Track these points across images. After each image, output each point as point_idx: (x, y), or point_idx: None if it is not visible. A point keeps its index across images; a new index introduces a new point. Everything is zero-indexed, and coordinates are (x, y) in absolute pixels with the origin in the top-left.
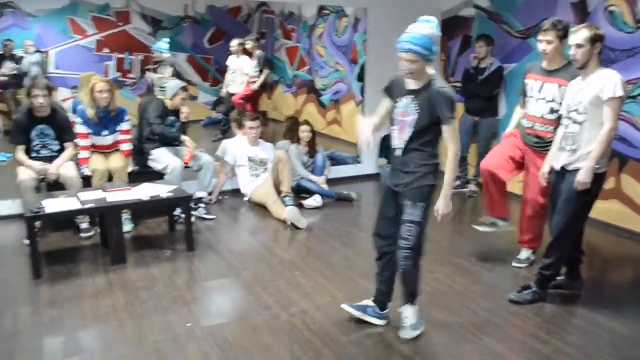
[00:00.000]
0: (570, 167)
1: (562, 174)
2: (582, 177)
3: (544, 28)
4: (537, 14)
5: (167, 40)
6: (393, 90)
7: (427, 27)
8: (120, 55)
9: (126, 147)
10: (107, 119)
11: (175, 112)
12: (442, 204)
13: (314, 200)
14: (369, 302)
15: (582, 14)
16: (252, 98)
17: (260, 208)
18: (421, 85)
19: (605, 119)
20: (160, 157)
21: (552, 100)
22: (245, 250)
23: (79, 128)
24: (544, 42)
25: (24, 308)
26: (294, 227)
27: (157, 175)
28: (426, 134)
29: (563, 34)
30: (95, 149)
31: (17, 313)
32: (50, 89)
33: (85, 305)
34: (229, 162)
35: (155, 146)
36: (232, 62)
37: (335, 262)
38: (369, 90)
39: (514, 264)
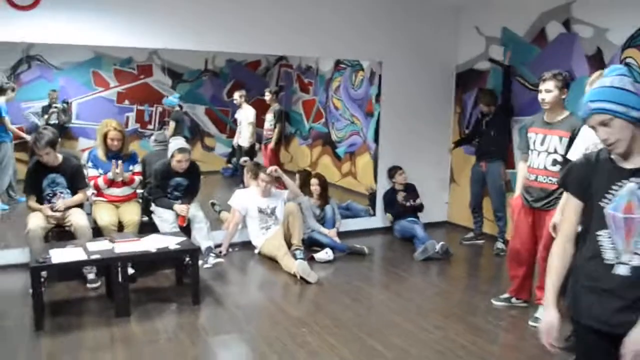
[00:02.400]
0: None
1: None
2: None
3: (544, 78)
4: (552, 67)
5: (177, 95)
6: (587, 179)
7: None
8: (141, 107)
9: (135, 185)
10: (118, 159)
11: (186, 171)
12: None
13: (325, 254)
14: None
15: (598, 67)
16: (271, 154)
17: (271, 261)
18: None
19: None
20: (160, 214)
21: (555, 152)
22: (252, 304)
23: (91, 172)
24: (543, 92)
25: None
26: (304, 281)
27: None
28: None
29: (563, 84)
30: (106, 199)
31: None
32: (53, 143)
33: (86, 359)
34: (240, 213)
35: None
36: (238, 114)
37: (345, 319)
38: (383, 142)
39: (531, 323)
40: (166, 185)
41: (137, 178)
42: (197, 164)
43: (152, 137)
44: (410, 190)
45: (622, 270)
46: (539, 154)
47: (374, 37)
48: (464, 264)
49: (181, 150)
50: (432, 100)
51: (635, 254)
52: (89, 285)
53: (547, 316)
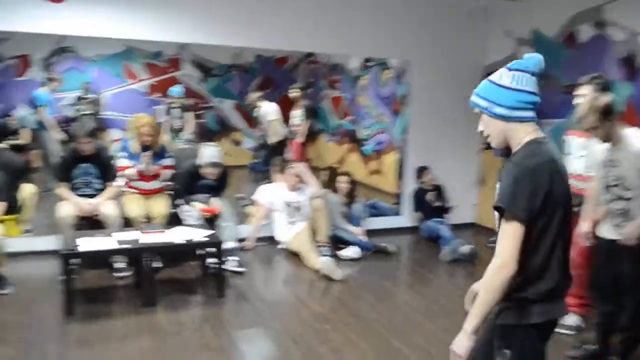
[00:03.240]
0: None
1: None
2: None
3: (581, 82)
4: (584, 69)
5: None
6: None
7: None
8: (169, 100)
9: (164, 178)
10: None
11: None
12: None
13: (351, 252)
14: None
15: (630, 70)
16: (298, 150)
17: (296, 256)
18: None
19: None
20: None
21: None
22: (276, 300)
23: (122, 162)
24: (580, 97)
25: (52, 345)
26: (328, 278)
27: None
28: None
29: (601, 89)
30: (136, 190)
31: (45, 351)
32: (94, 133)
33: (112, 347)
34: (265, 206)
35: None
36: (257, 113)
37: (368, 318)
38: (411, 142)
39: (560, 330)
40: (194, 186)
41: (166, 171)
42: (226, 169)
43: (184, 136)
44: (439, 191)
45: None
46: (578, 158)
47: (402, 36)
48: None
49: (215, 165)
50: (461, 100)
51: None
52: (117, 275)
53: (469, 342)
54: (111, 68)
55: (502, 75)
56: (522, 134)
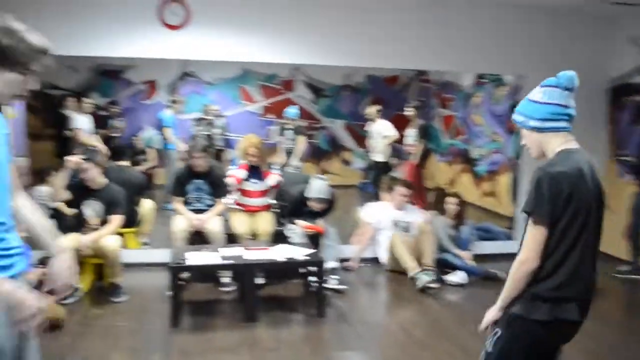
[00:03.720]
0: None
1: None
2: None
3: None
4: None
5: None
6: None
7: None
8: (283, 121)
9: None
10: (256, 171)
11: None
12: None
13: (457, 277)
14: None
15: None
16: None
17: (399, 279)
18: None
19: None
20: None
21: None
22: (377, 323)
23: (232, 171)
24: None
25: (156, 354)
26: (427, 290)
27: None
28: None
29: None
30: (243, 207)
31: (149, 358)
32: (206, 150)
33: (212, 359)
34: (372, 226)
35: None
36: (370, 127)
37: (470, 348)
38: (526, 162)
39: None
40: (301, 211)
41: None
42: (333, 199)
43: (293, 161)
44: None
45: None
46: None
47: (516, 50)
48: (617, 301)
49: (321, 201)
50: (582, 116)
51: None
52: (222, 289)
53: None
54: (229, 91)
55: (535, 92)
56: (555, 145)
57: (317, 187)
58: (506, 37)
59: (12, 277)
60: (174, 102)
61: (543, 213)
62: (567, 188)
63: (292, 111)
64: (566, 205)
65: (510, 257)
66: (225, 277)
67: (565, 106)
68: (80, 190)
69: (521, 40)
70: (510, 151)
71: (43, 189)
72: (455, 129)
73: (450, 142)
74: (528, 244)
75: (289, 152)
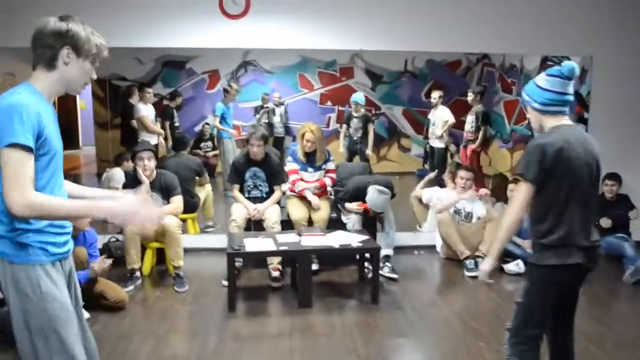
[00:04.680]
0: None
1: None
2: None
3: None
4: None
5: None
6: None
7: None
8: (342, 108)
9: (328, 181)
10: (313, 158)
11: None
12: None
13: (517, 266)
14: None
15: None
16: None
17: (455, 266)
18: None
19: None
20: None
21: None
22: (430, 311)
23: (290, 165)
24: None
25: (212, 337)
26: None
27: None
28: None
29: None
30: (299, 195)
31: (206, 341)
32: (265, 138)
33: (265, 344)
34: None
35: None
36: (432, 114)
37: None
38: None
39: None
40: (357, 200)
41: (328, 180)
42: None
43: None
44: (624, 201)
45: None
46: None
47: (583, 30)
48: None
49: (381, 192)
50: None
51: None
52: (272, 284)
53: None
54: (288, 78)
55: (540, 78)
56: (550, 123)
57: (374, 201)
58: (572, 18)
59: (66, 252)
60: (225, 91)
61: (529, 174)
62: (552, 155)
63: (359, 97)
64: (552, 169)
65: None
66: (275, 272)
67: (564, 93)
68: (135, 182)
69: (587, 20)
70: None
71: (116, 170)
72: (518, 114)
73: (512, 128)
74: (516, 200)
75: (355, 142)
